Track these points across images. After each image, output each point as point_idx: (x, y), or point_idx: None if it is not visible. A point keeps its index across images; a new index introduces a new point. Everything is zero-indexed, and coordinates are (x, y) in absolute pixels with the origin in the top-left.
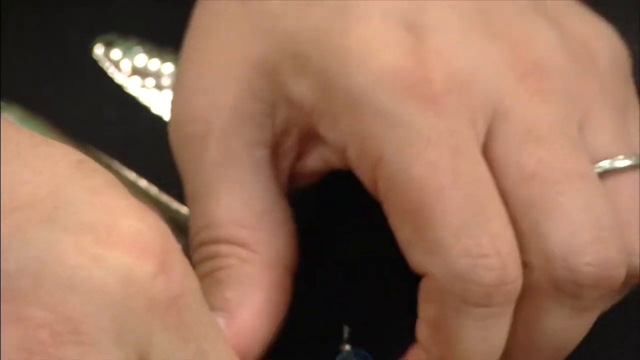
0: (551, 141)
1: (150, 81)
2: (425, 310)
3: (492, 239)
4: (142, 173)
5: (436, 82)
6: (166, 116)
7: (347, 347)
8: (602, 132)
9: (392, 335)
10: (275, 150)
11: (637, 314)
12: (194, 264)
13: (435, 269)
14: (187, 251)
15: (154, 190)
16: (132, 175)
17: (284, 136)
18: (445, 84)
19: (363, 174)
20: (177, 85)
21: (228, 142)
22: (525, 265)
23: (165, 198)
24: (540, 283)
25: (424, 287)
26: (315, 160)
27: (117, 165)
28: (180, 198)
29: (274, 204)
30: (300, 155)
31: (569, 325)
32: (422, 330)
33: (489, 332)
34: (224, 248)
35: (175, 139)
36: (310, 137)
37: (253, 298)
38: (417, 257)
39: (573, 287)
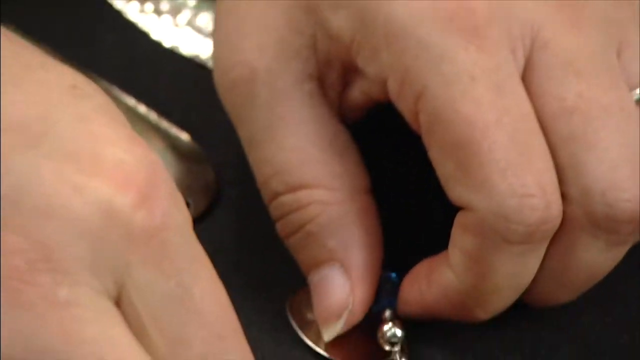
0: (590, 74)
1: (149, 6)
2: (462, 240)
3: (537, 177)
4: (141, 99)
5: (477, 12)
6: (165, 41)
7: None
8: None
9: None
10: (321, 83)
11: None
12: (273, 218)
13: (478, 205)
14: (188, 177)
15: (153, 116)
16: (131, 101)
17: (328, 68)
18: (485, 14)
19: (404, 106)
20: (216, 33)
21: (275, 81)
22: (563, 197)
23: (164, 124)
24: (577, 216)
25: (463, 218)
26: (357, 94)
27: (116, 91)
28: (180, 124)
29: (335, 131)
30: (344, 88)
31: (602, 258)
32: (456, 257)
33: (524, 266)
34: (302, 195)
35: (221, 86)
36: (351, 70)
37: (354, 237)
38: (459, 192)
39: (610, 222)
